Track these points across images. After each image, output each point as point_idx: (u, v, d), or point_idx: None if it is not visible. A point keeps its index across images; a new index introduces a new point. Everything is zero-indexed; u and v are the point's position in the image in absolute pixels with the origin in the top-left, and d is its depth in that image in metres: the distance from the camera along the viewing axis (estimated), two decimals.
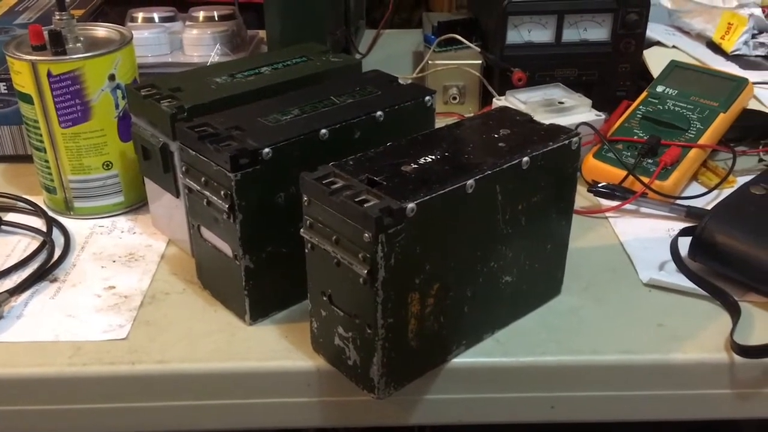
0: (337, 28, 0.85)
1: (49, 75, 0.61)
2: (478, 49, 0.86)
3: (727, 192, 0.68)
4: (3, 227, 0.65)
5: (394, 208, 0.42)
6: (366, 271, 0.43)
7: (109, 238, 0.65)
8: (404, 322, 0.46)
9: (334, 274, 0.45)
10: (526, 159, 0.48)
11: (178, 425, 0.53)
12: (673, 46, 0.90)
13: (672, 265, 0.58)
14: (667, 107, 0.74)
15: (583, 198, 0.69)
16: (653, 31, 0.91)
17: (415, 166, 0.47)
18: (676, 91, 0.75)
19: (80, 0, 0.92)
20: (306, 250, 0.47)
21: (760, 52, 0.89)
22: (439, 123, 0.56)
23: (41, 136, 0.64)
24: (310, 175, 0.45)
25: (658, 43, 0.90)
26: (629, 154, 0.71)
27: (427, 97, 0.58)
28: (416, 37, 1.04)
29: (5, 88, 0.72)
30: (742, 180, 0.70)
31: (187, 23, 0.86)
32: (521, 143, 0.50)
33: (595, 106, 0.75)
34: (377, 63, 0.82)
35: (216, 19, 0.86)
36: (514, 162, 0.48)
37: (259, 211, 0.51)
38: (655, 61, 0.84)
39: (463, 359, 0.51)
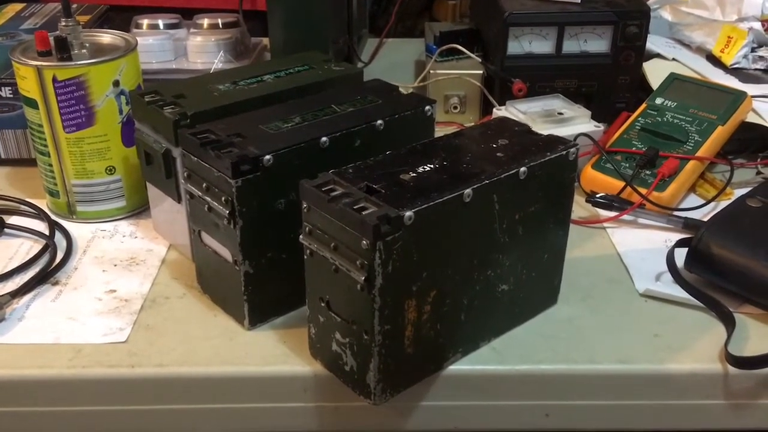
0: (340, 37, 0.86)
1: (54, 80, 0.62)
2: (479, 60, 0.87)
3: (724, 204, 0.68)
4: (6, 230, 0.66)
5: (392, 216, 0.42)
6: (363, 278, 0.43)
7: (111, 242, 0.65)
8: (401, 328, 0.46)
9: (333, 281, 0.46)
10: (523, 169, 0.49)
11: (176, 428, 0.53)
12: (673, 59, 0.90)
13: (668, 276, 0.59)
14: (665, 119, 0.75)
15: (581, 208, 0.70)
16: (654, 43, 0.92)
17: (414, 174, 0.47)
18: (675, 104, 0.76)
19: (86, 6, 0.93)
20: (305, 257, 0.48)
21: (760, 65, 0.90)
22: (440, 132, 0.57)
23: (45, 140, 0.65)
24: (310, 182, 0.46)
25: (659, 56, 0.91)
26: (627, 165, 0.71)
27: (427, 107, 0.59)
28: (418, 47, 1.05)
29: (10, 92, 0.73)
30: (739, 192, 0.70)
31: (192, 30, 0.87)
32: (519, 153, 0.50)
33: (594, 117, 0.76)
34: (379, 71, 0.83)
35: (220, 26, 0.87)
36: (511, 172, 0.48)
37: (259, 217, 0.51)
38: (655, 73, 0.84)
39: (459, 366, 0.51)
